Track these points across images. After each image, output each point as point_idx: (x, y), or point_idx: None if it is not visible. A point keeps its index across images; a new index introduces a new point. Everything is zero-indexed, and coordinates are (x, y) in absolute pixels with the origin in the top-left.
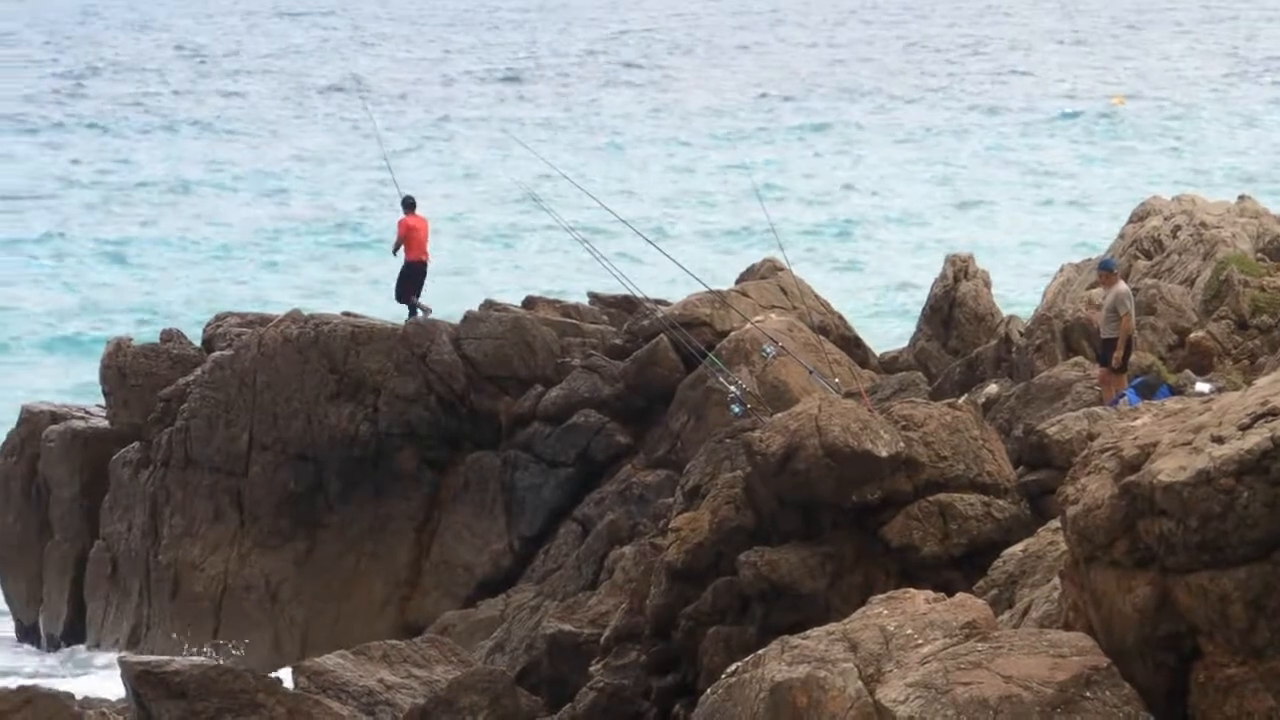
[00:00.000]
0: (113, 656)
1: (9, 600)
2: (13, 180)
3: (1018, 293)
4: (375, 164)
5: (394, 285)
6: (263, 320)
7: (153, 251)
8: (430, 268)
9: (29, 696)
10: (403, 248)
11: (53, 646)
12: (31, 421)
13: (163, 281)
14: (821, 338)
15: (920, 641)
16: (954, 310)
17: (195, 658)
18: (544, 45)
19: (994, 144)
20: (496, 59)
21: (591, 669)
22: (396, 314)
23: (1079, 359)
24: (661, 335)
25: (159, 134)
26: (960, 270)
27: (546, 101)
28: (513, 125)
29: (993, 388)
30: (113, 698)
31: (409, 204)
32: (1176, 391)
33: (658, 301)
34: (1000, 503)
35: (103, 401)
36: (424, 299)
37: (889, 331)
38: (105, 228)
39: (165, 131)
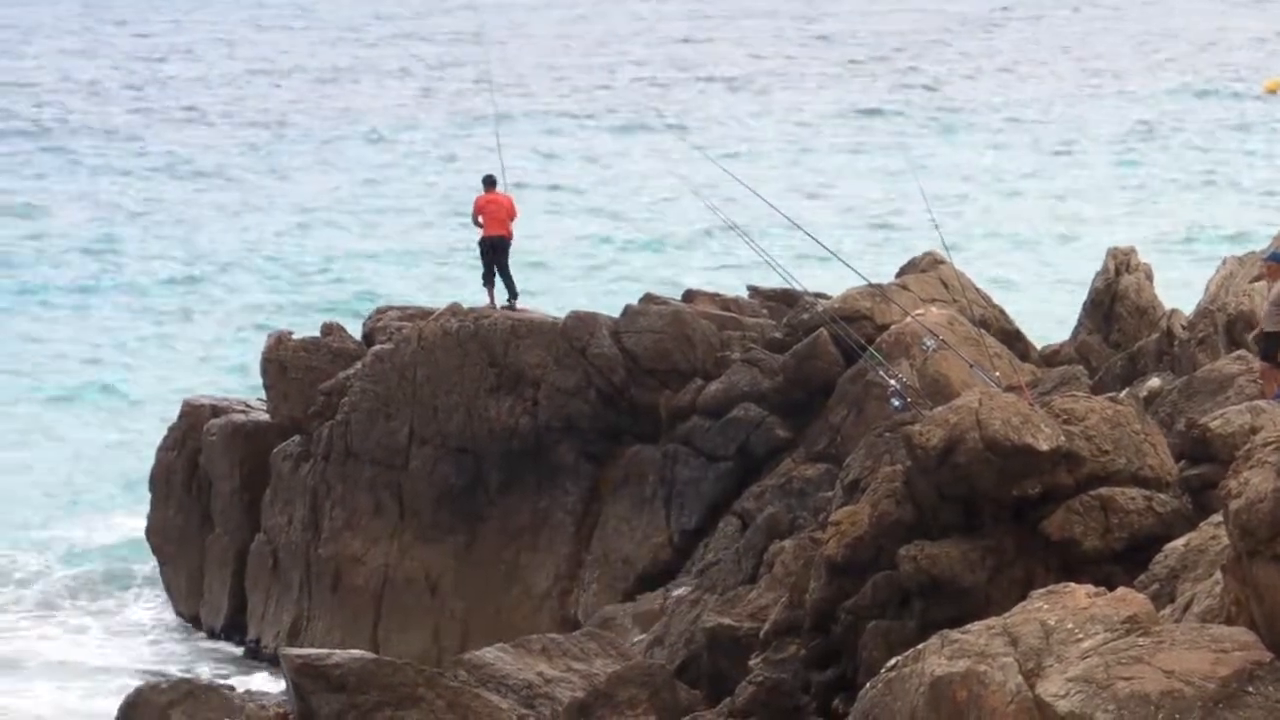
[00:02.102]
0: (273, 649)
1: (170, 593)
2: None
3: None
4: None
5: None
6: (423, 314)
7: None
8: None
9: (190, 689)
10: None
11: (213, 639)
12: (192, 415)
13: None
14: (982, 331)
15: (1081, 636)
16: (1115, 304)
17: (355, 650)
18: None
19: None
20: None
21: (751, 663)
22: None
23: (1241, 352)
24: (821, 329)
25: None
26: (1122, 263)
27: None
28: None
29: (1154, 381)
30: (273, 691)
31: (488, 182)
32: None
33: (817, 295)
34: (1162, 497)
35: (263, 395)
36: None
37: None
38: None
39: None
